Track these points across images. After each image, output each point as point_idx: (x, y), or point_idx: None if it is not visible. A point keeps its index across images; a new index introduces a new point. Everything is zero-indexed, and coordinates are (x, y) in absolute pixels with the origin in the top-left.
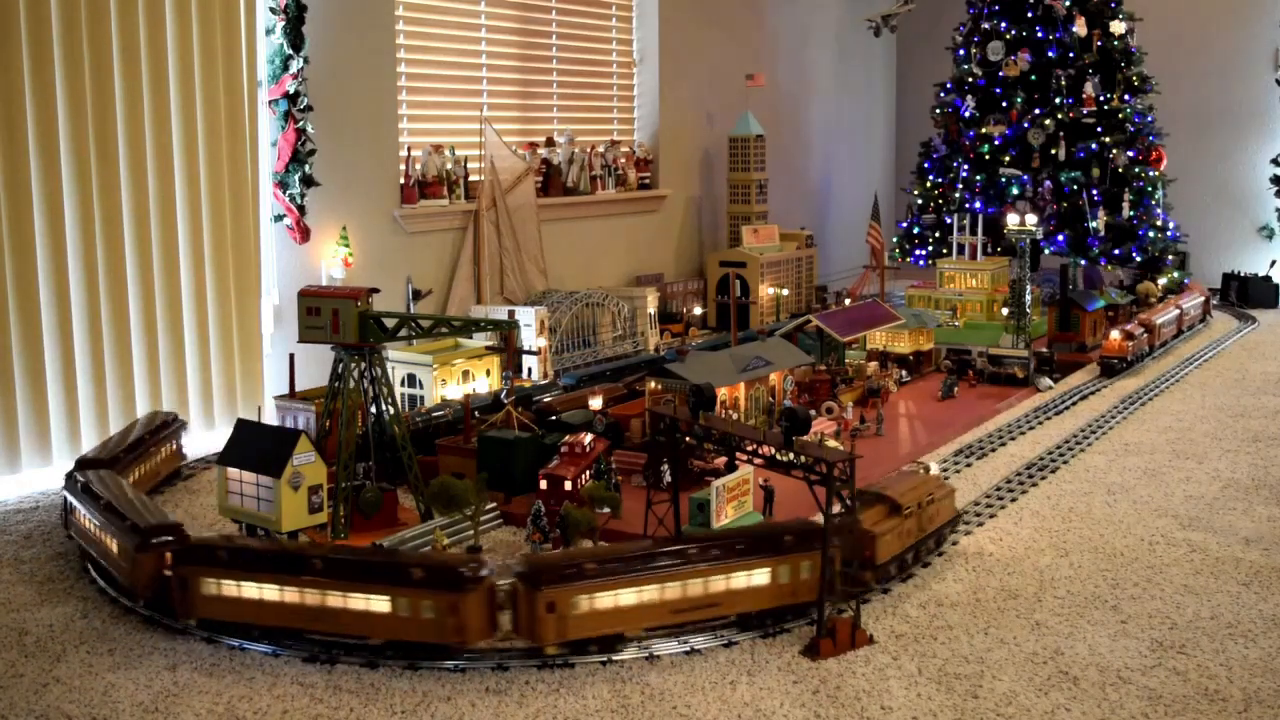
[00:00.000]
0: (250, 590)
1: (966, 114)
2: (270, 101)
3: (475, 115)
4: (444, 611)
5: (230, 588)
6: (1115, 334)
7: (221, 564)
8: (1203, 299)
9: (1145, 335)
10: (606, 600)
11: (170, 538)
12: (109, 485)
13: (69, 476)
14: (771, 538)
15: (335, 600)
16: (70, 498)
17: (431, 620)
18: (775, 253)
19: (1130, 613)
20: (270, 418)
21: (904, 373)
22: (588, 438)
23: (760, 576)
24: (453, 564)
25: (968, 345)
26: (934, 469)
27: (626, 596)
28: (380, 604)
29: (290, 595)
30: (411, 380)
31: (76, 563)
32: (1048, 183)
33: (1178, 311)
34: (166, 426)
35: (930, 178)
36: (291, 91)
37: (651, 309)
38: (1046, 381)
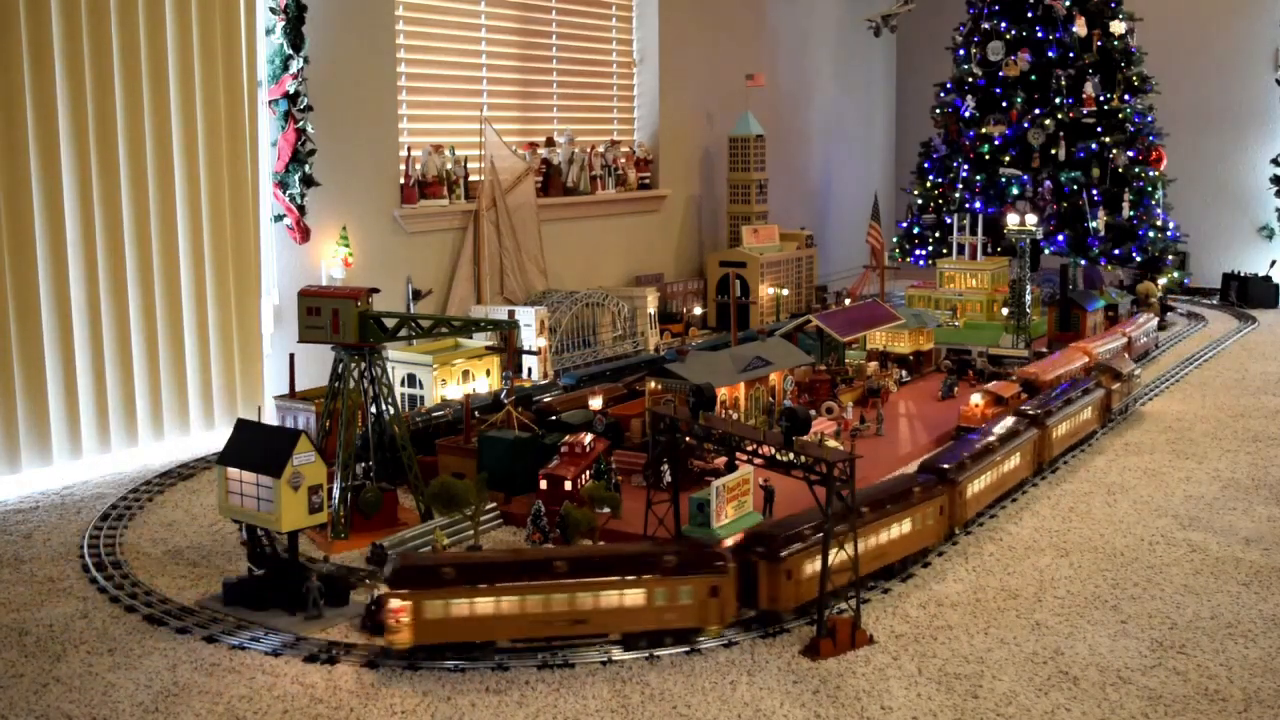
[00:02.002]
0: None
1: (966, 114)
2: (270, 101)
3: (475, 115)
4: None
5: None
6: (977, 399)
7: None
8: (1123, 340)
9: (1025, 399)
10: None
11: None
12: None
13: None
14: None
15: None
16: None
17: None
18: (775, 253)
19: (1130, 613)
20: (270, 418)
21: (904, 373)
22: (588, 438)
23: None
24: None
25: (968, 345)
26: (1126, 358)
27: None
28: None
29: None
30: (411, 380)
31: (77, 562)
32: (1048, 183)
33: (1084, 360)
34: None
35: (930, 178)
36: (291, 91)
37: (651, 309)
38: None
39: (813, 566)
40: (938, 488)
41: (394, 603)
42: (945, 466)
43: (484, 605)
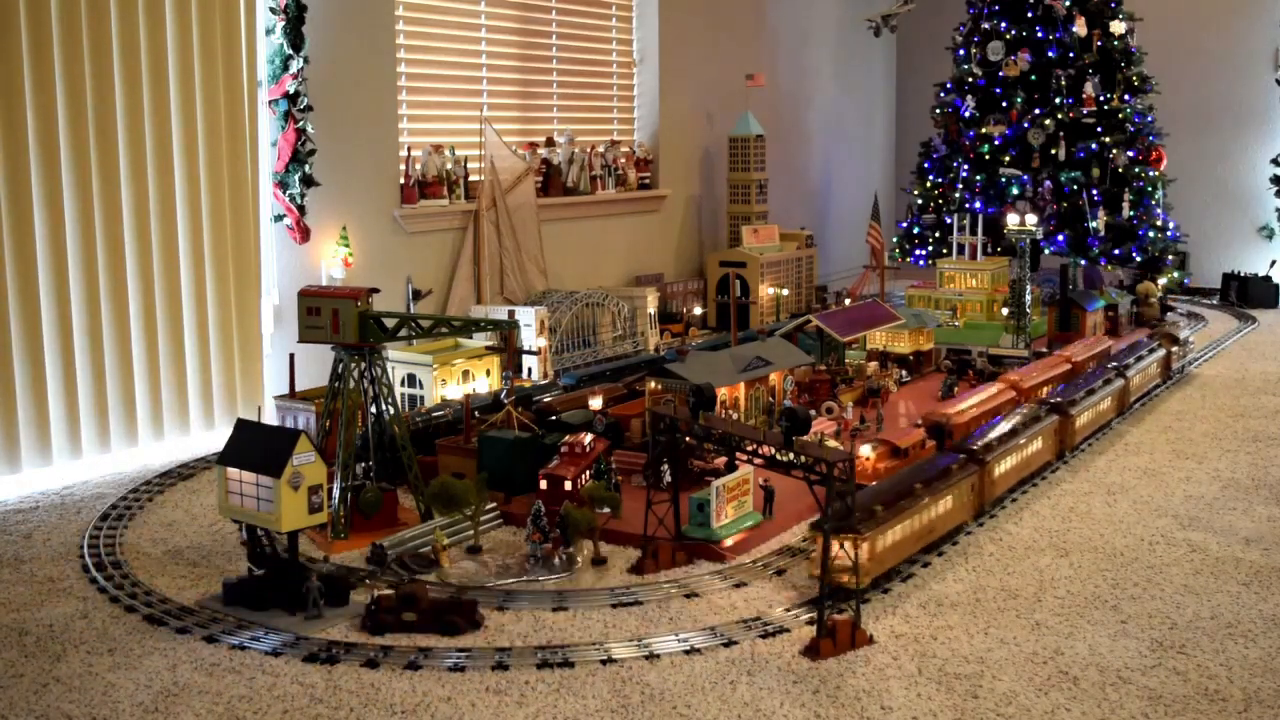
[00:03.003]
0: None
1: (966, 114)
2: (270, 101)
3: (475, 115)
4: None
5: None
6: (866, 450)
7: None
8: (1066, 368)
9: (930, 449)
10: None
11: None
12: None
13: None
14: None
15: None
16: None
17: None
18: (775, 253)
19: (1130, 613)
20: (270, 418)
21: (904, 373)
22: (588, 438)
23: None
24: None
25: (968, 345)
26: (1184, 328)
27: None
28: None
29: None
30: (411, 380)
31: (77, 562)
32: (1048, 183)
33: (1010, 396)
34: None
35: (930, 178)
36: (291, 91)
37: (651, 309)
38: None
39: (1000, 469)
40: (1055, 418)
41: (847, 547)
42: (1063, 401)
43: (900, 530)
